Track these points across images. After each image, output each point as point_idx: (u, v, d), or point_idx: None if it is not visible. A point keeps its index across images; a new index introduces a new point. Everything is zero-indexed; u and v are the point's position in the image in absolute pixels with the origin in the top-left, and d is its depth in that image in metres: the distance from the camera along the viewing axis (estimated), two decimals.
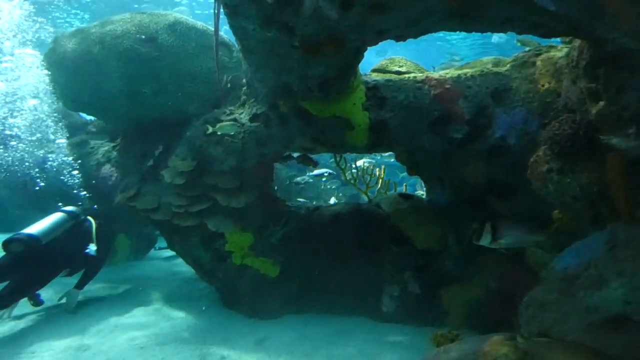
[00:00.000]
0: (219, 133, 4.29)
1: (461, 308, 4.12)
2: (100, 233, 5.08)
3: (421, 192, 7.24)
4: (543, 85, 3.52)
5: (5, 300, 4.13)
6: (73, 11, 13.97)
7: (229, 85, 4.88)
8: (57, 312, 4.57)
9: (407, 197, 4.89)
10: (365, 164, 6.40)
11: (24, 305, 4.41)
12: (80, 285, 4.75)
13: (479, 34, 2.77)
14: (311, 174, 7.29)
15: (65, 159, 6.25)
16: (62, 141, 6.45)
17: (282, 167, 8.85)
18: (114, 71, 4.59)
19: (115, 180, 5.64)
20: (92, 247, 4.88)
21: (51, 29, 8.92)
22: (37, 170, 6.56)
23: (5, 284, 4.18)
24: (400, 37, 3.02)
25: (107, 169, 5.81)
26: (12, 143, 6.64)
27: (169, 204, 4.56)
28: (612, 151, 2.37)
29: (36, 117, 6.53)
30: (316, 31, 2.79)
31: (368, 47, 3.29)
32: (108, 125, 6.62)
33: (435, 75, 4.06)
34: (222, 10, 3.03)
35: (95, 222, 5.11)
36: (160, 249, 7.53)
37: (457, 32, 3.30)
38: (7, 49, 7.00)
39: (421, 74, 4.11)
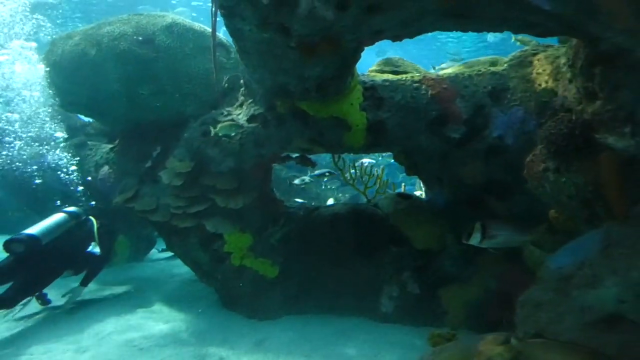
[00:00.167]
0: (220, 134, 4.29)
1: (460, 308, 4.12)
2: (102, 233, 5.13)
3: (420, 192, 7.24)
4: (540, 85, 3.52)
5: (10, 301, 4.15)
6: (74, 16, 13.99)
7: (226, 86, 4.88)
8: (56, 314, 4.57)
9: (405, 197, 4.90)
10: (364, 164, 6.38)
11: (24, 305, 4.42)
12: (85, 283, 4.83)
13: (475, 33, 2.77)
14: (311, 174, 7.28)
15: (63, 154, 6.24)
16: (60, 135, 6.43)
17: (282, 168, 8.85)
18: (111, 73, 4.58)
19: (113, 181, 5.64)
20: (95, 247, 4.93)
21: (49, 28, 8.90)
22: (35, 167, 6.54)
23: (9, 285, 4.21)
24: (396, 37, 3.03)
25: (105, 170, 5.82)
26: (7, 139, 6.60)
27: (167, 205, 4.56)
28: (607, 150, 2.37)
29: (34, 111, 6.48)
30: (312, 32, 2.79)
31: (365, 48, 3.29)
32: (106, 127, 6.62)
33: (433, 75, 4.06)
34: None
35: (97, 222, 5.16)
36: (162, 250, 7.52)
37: (455, 32, 3.31)
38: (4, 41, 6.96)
39: (418, 74, 4.10)
